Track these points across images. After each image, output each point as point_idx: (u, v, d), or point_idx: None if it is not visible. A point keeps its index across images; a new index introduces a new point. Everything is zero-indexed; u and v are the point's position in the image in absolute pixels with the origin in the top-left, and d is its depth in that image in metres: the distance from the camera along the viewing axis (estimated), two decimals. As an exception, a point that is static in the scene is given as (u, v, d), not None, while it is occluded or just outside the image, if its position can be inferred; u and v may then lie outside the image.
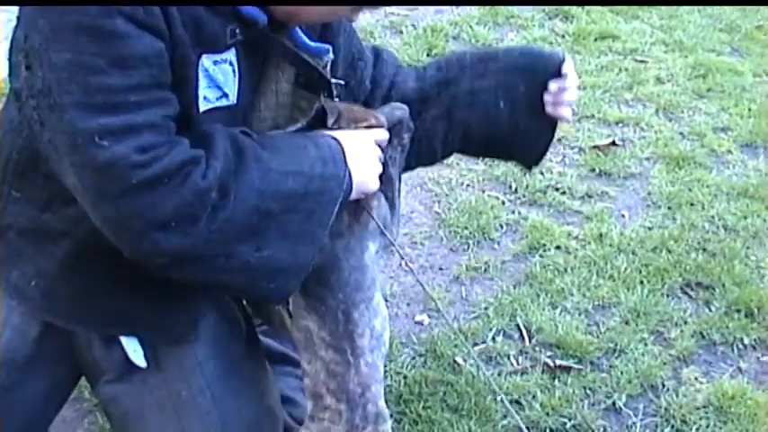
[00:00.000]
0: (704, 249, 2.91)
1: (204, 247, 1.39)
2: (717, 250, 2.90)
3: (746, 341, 2.57)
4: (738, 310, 2.67)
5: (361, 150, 1.59)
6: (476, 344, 2.51)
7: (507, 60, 1.87)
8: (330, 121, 1.61)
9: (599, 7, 4.31)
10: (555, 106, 1.85)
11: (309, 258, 1.52)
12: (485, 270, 2.79)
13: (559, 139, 3.38)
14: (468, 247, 2.89)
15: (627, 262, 2.83)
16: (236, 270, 1.45)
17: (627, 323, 2.61)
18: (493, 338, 2.54)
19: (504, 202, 3.10)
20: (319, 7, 1.49)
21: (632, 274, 2.78)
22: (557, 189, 3.17)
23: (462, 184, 3.18)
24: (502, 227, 2.98)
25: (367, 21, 4.13)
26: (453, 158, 3.23)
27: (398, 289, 2.72)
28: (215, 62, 1.44)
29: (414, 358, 2.46)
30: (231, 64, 1.47)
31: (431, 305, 2.64)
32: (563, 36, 4.11)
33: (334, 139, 1.56)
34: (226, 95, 1.48)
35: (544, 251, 2.86)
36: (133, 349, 1.66)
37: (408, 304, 2.67)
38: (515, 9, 4.27)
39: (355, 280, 1.69)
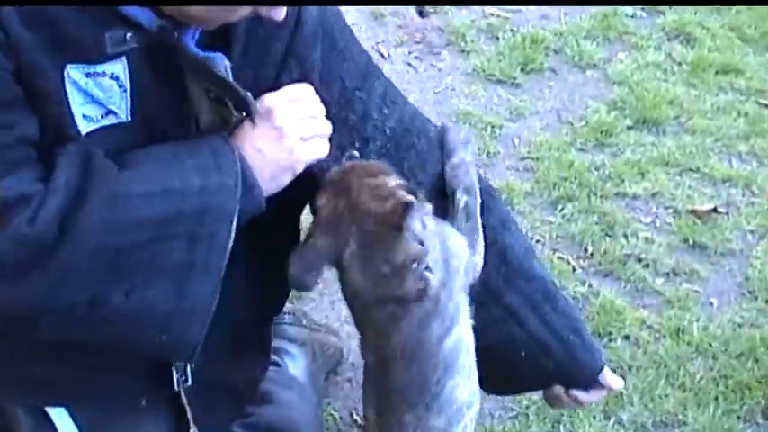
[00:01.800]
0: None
1: (49, 300, 1.17)
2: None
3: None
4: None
5: (270, 135, 1.31)
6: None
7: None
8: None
9: (726, 32, 3.79)
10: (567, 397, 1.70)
11: (207, 295, 1.27)
12: (535, 355, 2.43)
13: (654, 195, 2.96)
14: (523, 323, 2.53)
15: (704, 369, 2.42)
16: (109, 321, 1.22)
17: (690, 452, 2.23)
18: (529, 449, 2.20)
19: (574, 269, 2.71)
20: (217, 9, 1.21)
21: (708, 385, 2.38)
22: (639, 260, 2.76)
23: (532, 238, 2.80)
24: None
25: (462, 21, 3.74)
26: (528, 206, 2.89)
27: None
28: (87, 74, 1.20)
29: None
30: (115, 78, 1.22)
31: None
32: (680, 64, 3.62)
33: (223, 138, 1.30)
34: (113, 113, 1.25)
35: (609, 340, 2.48)
36: (67, 429, 1.46)
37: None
38: (631, 24, 3.79)
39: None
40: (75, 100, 1.21)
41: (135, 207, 1.19)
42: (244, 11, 1.22)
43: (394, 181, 1.36)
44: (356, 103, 1.47)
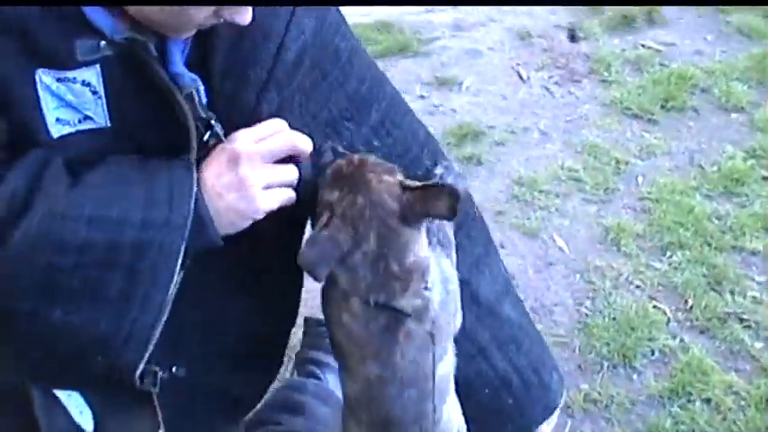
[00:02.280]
0: None
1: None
2: None
3: None
4: None
5: (233, 182, 1.27)
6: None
7: None
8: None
9: None
10: None
11: (146, 328, 1.24)
12: (605, 405, 2.36)
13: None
14: (601, 370, 2.46)
15: (786, 446, 2.29)
16: (50, 335, 1.23)
17: None
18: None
19: (668, 321, 2.61)
20: (169, 11, 1.16)
21: (785, 465, 2.25)
22: (741, 320, 2.62)
23: (631, 282, 2.72)
24: (652, 353, 2.51)
25: (611, 49, 3.65)
26: (635, 248, 2.80)
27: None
28: (58, 79, 1.19)
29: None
30: (87, 84, 1.21)
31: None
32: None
33: (187, 167, 1.25)
34: (89, 118, 1.23)
35: (688, 401, 2.37)
36: (79, 410, 1.47)
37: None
38: (791, 69, 3.59)
39: None
40: (47, 104, 1.20)
41: (74, 230, 1.18)
42: (199, 15, 1.18)
43: (404, 178, 1.34)
44: (343, 134, 1.44)
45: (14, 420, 1.50)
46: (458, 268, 1.45)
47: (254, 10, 1.22)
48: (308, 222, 1.43)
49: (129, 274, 1.21)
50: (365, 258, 1.29)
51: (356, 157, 1.35)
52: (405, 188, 1.31)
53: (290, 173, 1.33)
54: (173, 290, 1.25)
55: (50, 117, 1.21)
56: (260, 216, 1.30)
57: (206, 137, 1.29)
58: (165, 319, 1.27)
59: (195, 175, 1.26)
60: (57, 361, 1.31)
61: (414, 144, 1.51)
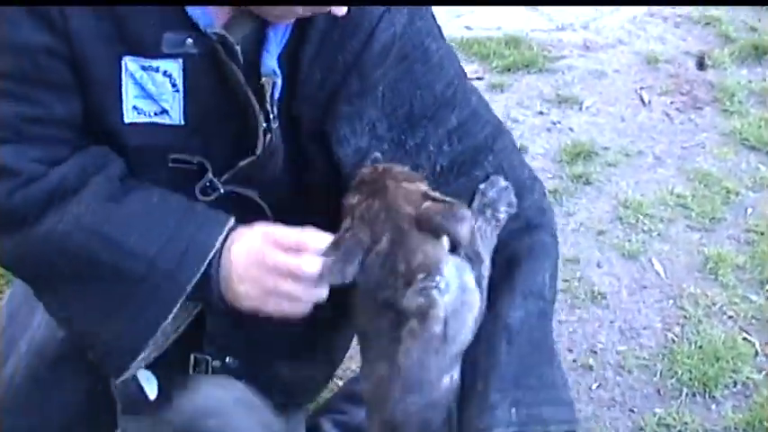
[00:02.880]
0: None
1: (12, 264, 1.35)
2: None
3: None
4: None
5: (254, 267, 1.30)
6: None
7: None
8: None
9: None
10: None
11: (134, 344, 1.31)
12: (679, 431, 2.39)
13: None
14: (679, 396, 2.48)
15: None
16: (61, 308, 1.35)
17: None
18: None
19: (756, 354, 2.60)
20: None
21: None
22: (832, 362, 2.60)
23: (724, 312, 2.72)
24: (734, 384, 2.51)
25: (737, 79, 3.64)
26: (733, 279, 2.80)
27: None
28: (143, 67, 1.27)
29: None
30: (168, 76, 1.28)
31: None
32: None
33: (217, 227, 1.31)
34: (165, 112, 1.31)
35: (765, 435, 2.38)
36: (146, 377, 1.55)
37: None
38: None
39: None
40: (129, 91, 1.27)
41: (88, 242, 1.26)
42: (304, 8, 1.24)
43: (428, 189, 1.38)
44: (418, 131, 1.46)
45: (88, 380, 1.62)
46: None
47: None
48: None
49: (125, 298, 1.28)
50: (377, 258, 1.32)
51: (382, 165, 1.40)
52: (426, 197, 1.35)
53: (307, 294, 1.33)
54: (159, 330, 1.30)
55: (128, 104, 1.29)
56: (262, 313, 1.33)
57: (267, 136, 1.34)
58: (157, 344, 1.33)
59: (221, 238, 1.30)
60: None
61: (481, 156, 1.51)
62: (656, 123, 3.54)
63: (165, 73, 1.28)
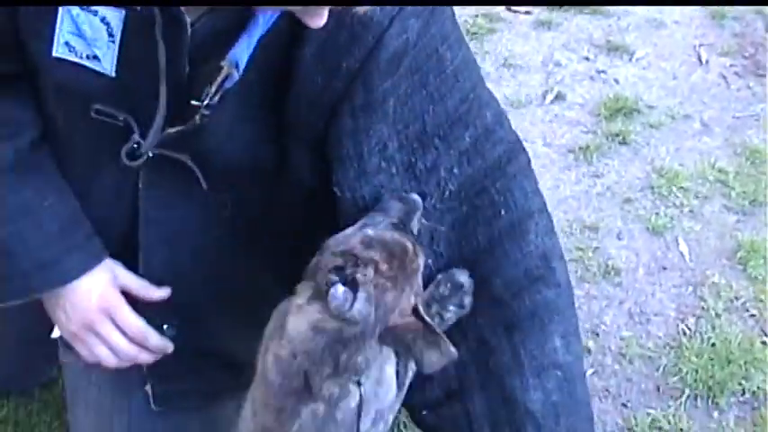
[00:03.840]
0: None
1: None
2: None
3: None
4: None
5: (87, 321, 1.36)
6: None
7: None
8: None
9: None
10: None
11: None
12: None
13: None
14: (679, 397, 2.25)
15: None
16: None
17: None
18: None
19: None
20: None
21: None
22: None
23: (747, 310, 2.46)
24: (742, 393, 2.25)
25: (808, 47, 3.29)
26: (764, 271, 2.56)
27: None
28: (81, 6, 1.17)
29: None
30: (106, 23, 1.17)
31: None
32: None
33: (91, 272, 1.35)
34: (97, 58, 1.20)
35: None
36: None
37: None
38: None
39: None
40: (63, 24, 1.18)
41: None
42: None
43: (422, 306, 1.20)
44: (429, 152, 1.31)
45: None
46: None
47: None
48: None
49: None
50: (336, 334, 1.17)
51: (411, 252, 1.21)
52: (415, 312, 1.18)
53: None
54: None
55: (60, 38, 1.19)
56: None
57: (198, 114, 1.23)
58: None
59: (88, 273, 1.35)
60: None
61: (489, 181, 1.36)
62: (711, 86, 3.23)
63: (103, 19, 1.17)
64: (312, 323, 1.16)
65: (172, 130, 1.25)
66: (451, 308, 1.32)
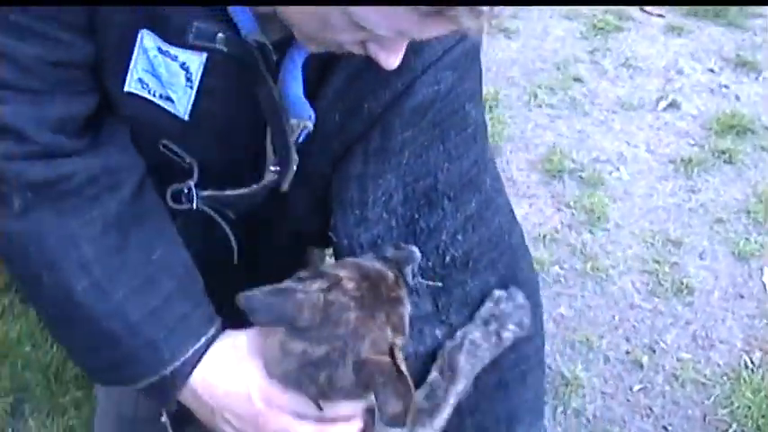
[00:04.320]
0: None
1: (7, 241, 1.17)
2: None
3: None
4: None
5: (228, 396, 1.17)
6: None
7: None
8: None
9: None
10: None
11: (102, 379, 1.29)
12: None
13: None
14: None
15: None
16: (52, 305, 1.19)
17: None
18: None
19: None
20: (312, 19, 0.97)
21: None
22: None
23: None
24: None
25: None
26: None
27: None
28: (160, 50, 1.09)
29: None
30: (185, 69, 1.10)
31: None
32: None
33: (184, 346, 1.16)
34: (171, 100, 1.13)
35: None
36: None
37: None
38: None
39: None
40: (138, 62, 1.10)
41: (76, 277, 1.13)
42: (343, 34, 0.97)
43: (399, 351, 1.13)
44: (435, 212, 1.25)
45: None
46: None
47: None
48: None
49: (93, 349, 1.18)
50: (303, 356, 1.11)
51: (390, 280, 1.15)
52: (390, 352, 1.11)
53: None
54: None
55: (134, 74, 1.12)
56: None
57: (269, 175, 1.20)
58: None
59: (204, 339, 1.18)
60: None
61: (496, 253, 1.31)
62: None
63: (182, 65, 1.10)
64: (281, 343, 1.13)
65: (231, 193, 1.24)
66: (511, 326, 1.28)
